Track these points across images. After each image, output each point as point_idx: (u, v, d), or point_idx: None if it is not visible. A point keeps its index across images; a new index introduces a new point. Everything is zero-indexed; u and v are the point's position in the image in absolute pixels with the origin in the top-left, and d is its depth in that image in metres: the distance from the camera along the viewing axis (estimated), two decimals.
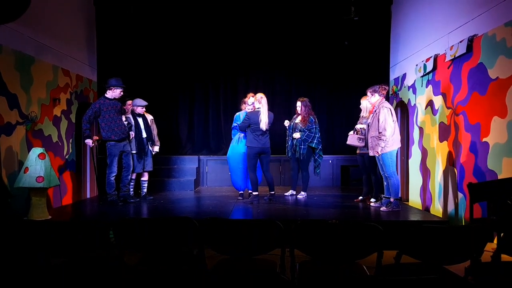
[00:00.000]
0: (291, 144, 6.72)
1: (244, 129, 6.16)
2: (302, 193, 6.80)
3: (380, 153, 5.30)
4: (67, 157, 6.36)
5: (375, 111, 5.48)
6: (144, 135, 6.43)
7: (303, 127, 6.57)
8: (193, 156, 8.53)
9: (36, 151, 4.99)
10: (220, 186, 8.27)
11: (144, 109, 6.52)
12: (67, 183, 6.37)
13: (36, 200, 4.96)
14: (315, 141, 6.59)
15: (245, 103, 6.60)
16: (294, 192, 6.96)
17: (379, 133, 5.30)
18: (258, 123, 5.98)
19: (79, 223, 3.40)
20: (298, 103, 6.69)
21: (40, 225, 4.74)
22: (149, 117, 6.67)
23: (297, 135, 6.58)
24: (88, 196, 7.17)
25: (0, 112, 4.79)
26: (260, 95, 6.12)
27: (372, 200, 5.96)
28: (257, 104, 6.10)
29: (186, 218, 2.77)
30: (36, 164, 4.90)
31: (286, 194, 7.03)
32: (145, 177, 6.61)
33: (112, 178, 5.99)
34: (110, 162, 5.95)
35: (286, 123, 6.83)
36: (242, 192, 6.65)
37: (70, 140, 6.49)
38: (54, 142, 5.98)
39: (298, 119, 6.71)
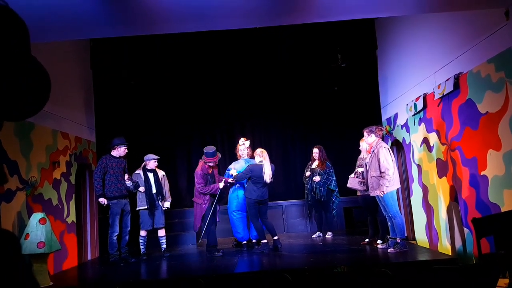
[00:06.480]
0: (310, 187, 7.10)
1: (241, 179, 6.23)
2: (329, 233, 7.23)
3: (385, 192, 5.30)
4: (67, 219, 6.30)
5: (373, 151, 5.56)
6: (154, 190, 6.47)
7: (321, 171, 7.01)
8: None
9: (37, 216, 4.96)
10: (223, 238, 8.11)
11: (156, 164, 6.60)
12: (68, 246, 6.27)
13: (38, 266, 4.86)
14: (333, 183, 7.02)
15: (238, 149, 6.75)
16: (321, 234, 7.22)
17: (382, 172, 5.34)
18: (261, 176, 6.06)
19: None
20: (315, 150, 7.18)
21: None
22: (161, 173, 6.75)
23: (317, 178, 7.01)
24: (89, 258, 7.03)
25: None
26: (260, 150, 6.32)
27: (379, 241, 5.89)
28: (258, 158, 6.23)
29: (191, 277, 2.74)
30: (37, 230, 4.85)
31: (313, 236, 7.32)
32: (161, 233, 6.60)
33: (115, 238, 5.96)
34: (112, 221, 5.95)
35: (307, 174, 7.20)
36: (245, 242, 6.56)
37: (70, 202, 6.46)
38: (54, 205, 5.95)
39: (315, 164, 7.17)
